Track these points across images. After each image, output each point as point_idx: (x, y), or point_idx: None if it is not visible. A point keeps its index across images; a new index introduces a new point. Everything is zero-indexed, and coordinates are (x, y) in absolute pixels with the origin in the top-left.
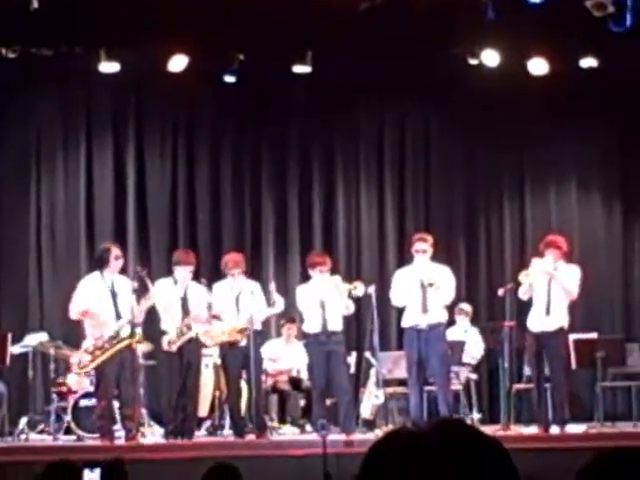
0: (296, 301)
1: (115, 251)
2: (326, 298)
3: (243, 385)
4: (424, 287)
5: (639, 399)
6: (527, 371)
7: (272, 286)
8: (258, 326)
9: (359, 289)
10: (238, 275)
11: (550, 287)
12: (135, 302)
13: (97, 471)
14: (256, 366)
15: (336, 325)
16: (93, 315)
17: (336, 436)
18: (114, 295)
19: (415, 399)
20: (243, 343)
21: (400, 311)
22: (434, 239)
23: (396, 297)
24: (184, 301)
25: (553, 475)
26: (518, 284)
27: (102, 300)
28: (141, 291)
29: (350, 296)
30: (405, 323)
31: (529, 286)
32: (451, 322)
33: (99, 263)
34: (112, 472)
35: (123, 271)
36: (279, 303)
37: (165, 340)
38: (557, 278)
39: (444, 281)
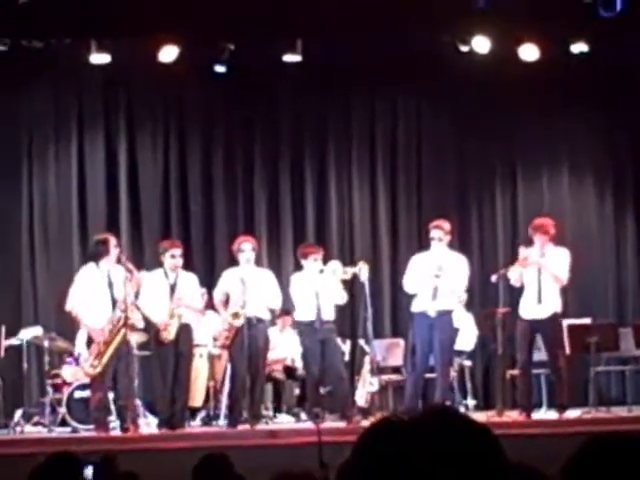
0: (289, 289)
1: (113, 240)
2: (320, 287)
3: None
4: (436, 275)
5: (633, 383)
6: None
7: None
8: (260, 313)
9: (363, 270)
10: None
11: (540, 275)
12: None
13: (89, 468)
14: (258, 354)
15: (329, 314)
16: (81, 319)
17: (331, 424)
18: (111, 286)
19: (412, 385)
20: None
21: (393, 298)
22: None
23: (408, 284)
24: (172, 289)
25: (547, 460)
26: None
27: (99, 292)
28: (127, 277)
29: (354, 278)
30: (414, 308)
31: (519, 274)
32: None
33: (96, 254)
34: (104, 467)
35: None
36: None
37: (163, 332)
38: (546, 267)
39: (457, 270)
